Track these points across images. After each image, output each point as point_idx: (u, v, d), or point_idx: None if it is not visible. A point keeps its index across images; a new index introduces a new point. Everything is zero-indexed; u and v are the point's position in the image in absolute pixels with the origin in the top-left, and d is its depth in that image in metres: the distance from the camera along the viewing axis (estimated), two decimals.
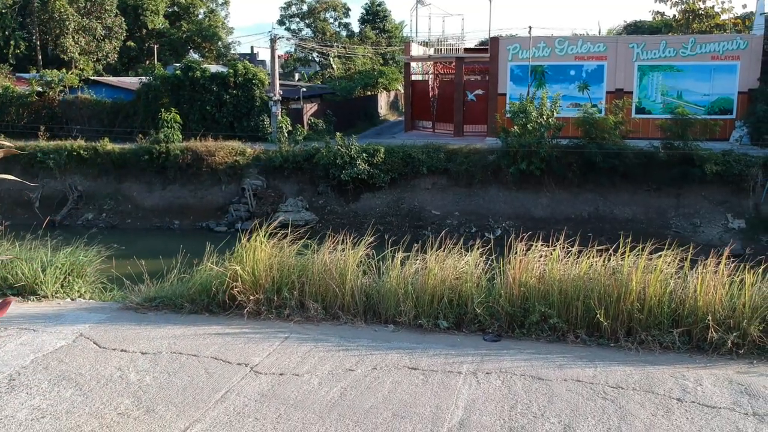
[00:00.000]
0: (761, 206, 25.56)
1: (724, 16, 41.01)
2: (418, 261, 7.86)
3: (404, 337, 7.12)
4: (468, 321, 7.31)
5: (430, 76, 41.08)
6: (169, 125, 32.01)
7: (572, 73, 32.60)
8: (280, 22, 70.23)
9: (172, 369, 6.23)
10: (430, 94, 39.37)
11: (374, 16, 69.85)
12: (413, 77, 40.37)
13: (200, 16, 69.15)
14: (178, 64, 42.01)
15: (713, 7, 40.70)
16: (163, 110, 33.08)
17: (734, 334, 6.56)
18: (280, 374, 6.12)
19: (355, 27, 72.19)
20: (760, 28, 30.89)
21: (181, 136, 32.30)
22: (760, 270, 7.11)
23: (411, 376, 6.08)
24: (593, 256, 7.47)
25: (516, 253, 7.48)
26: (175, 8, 67.02)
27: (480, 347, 6.78)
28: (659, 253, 7.28)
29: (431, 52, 41.06)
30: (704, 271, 7.02)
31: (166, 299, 8.12)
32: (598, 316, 6.87)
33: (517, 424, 5.23)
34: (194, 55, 64.99)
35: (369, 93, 49.78)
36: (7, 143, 4.81)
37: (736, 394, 5.72)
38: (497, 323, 7.21)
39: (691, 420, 5.30)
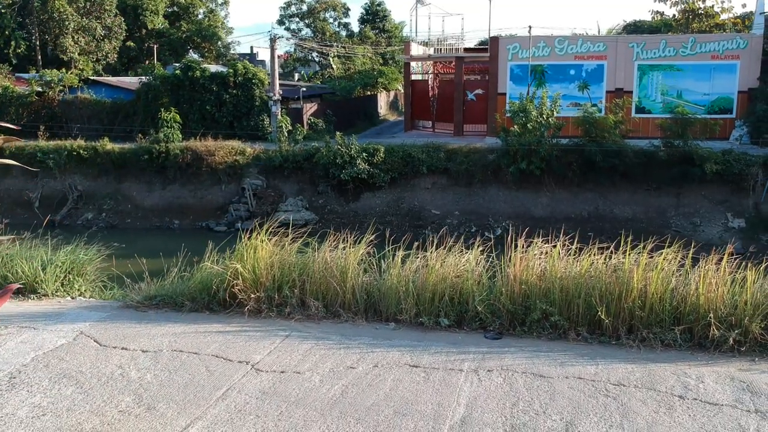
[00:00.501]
0: (761, 205, 25.56)
1: (724, 16, 41.04)
2: (418, 259, 7.86)
3: (405, 335, 7.11)
4: (469, 319, 7.30)
5: (430, 75, 41.08)
6: (169, 125, 32.01)
7: (572, 72, 32.58)
8: (280, 22, 70.26)
9: (173, 367, 6.22)
10: (430, 94, 39.36)
11: (374, 16, 69.86)
12: (413, 77, 40.37)
13: (200, 16, 69.18)
14: (177, 64, 42.03)
15: (713, 6, 40.72)
16: (162, 110, 33.09)
17: (736, 331, 6.55)
18: (282, 372, 6.11)
19: (355, 27, 72.25)
20: (759, 28, 30.90)
21: (180, 135, 32.31)
22: (762, 268, 7.10)
23: (412, 374, 6.07)
24: (594, 255, 7.47)
25: (517, 250, 7.48)
26: (175, 8, 67.04)
27: (481, 345, 6.78)
28: (660, 251, 7.27)
29: (431, 51, 41.05)
30: (706, 268, 7.02)
31: (167, 297, 8.11)
32: (599, 313, 6.86)
33: (519, 421, 5.22)
34: (194, 55, 64.99)
35: (369, 93, 49.78)
36: (12, 126, 4.83)
37: (738, 392, 5.71)
38: (498, 321, 7.21)
39: (693, 417, 5.29)
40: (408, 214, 28.46)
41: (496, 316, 7.25)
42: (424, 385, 5.84)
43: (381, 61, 61.74)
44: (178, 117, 32.73)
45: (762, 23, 30.89)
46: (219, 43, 69.41)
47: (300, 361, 6.35)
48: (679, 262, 7.30)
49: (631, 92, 31.77)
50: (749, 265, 7.09)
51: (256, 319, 7.52)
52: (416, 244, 8.27)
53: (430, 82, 40.29)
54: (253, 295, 7.70)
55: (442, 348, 6.67)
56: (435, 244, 7.90)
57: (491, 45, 34.01)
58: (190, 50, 67.36)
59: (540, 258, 7.54)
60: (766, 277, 7.05)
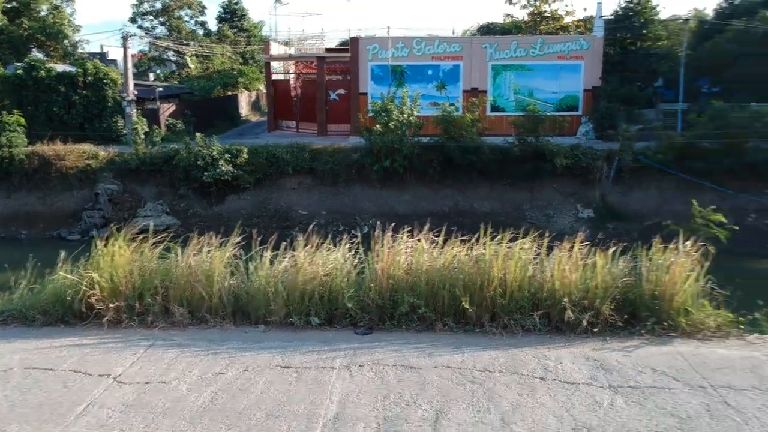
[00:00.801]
0: (607, 196, 27.39)
1: (568, 19, 43.73)
2: (286, 259, 7.78)
3: (276, 336, 7.03)
4: (340, 316, 7.34)
5: (292, 75, 40.81)
6: (12, 129, 29.81)
7: (430, 72, 33.45)
8: (132, 20, 67.21)
9: (25, 385, 5.79)
10: (293, 94, 39.09)
11: (232, 15, 68.44)
12: (275, 77, 39.92)
13: (43, 13, 64.82)
14: (19, 64, 39.19)
15: (557, 10, 43.25)
16: (4, 113, 30.77)
17: (589, 313, 7.00)
18: (146, 383, 5.86)
19: (213, 26, 70.39)
20: (600, 30, 33.10)
21: (25, 139, 30.18)
22: (609, 253, 7.62)
23: (284, 375, 6.01)
24: (456, 248, 7.71)
25: (383, 246, 7.58)
26: (15, 3, 62.46)
27: (352, 341, 6.82)
28: (517, 242, 7.63)
29: (292, 51, 40.78)
30: (560, 256, 7.44)
31: (16, 312, 7.55)
32: (463, 303, 7.10)
33: (391, 413, 5.30)
34: (38, 54, 60.76)
35: (229, 93, 48.73)
36: None
37: (592, 370, 6.10)
38: (368, 316, 7.28)
39: (554, 397, 5.59)
40: (275, 215, 28.13)
41: (365, 312, 7.32)
42: (296, 386, 5.79)
43: (241, 60, 60.60)
44: (22, 120, 30.56)
45: (602, 26, 33.10)
46: (66, 41, 65.34)
47: (165, 370, 6.12)
48: (535, 251, 7.69)
49: (486, 91, 33.08)
50: (598, 251, 7.60)
51: (116, 330, 7.16)
52: (284, 244, 8.18)
53: (292, 82, 40.01)
54: (111, 305, 7.32)
55: (313, 347, 6.65)
56: (303, 243, 7.85)
57: (351, 45, 34.27)
58: (33, 49, 62.94)
59: (406, 253, 7.69)
60: (614, 261, 7.58)
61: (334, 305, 7.41)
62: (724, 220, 9.15)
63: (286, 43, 43.34)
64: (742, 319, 7.30)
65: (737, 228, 9.76)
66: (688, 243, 7.58)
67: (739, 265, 16.00)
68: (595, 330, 6.95)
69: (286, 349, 6.60)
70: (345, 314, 7.32)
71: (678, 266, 7.27)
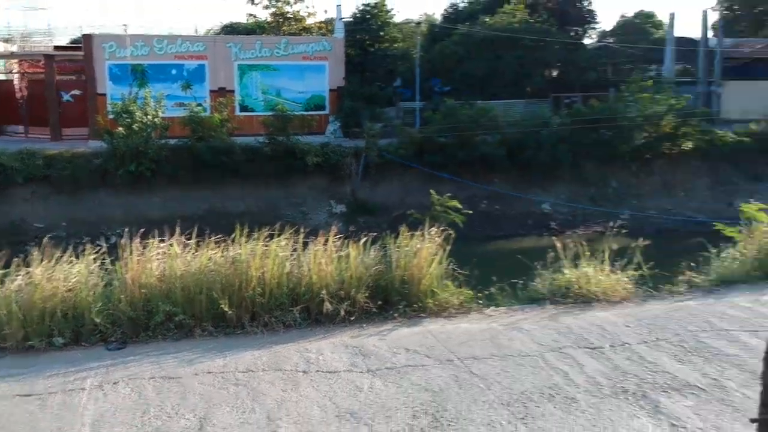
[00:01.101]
0: (357, 191, 28.55)
1: (310, 20, 44.67)
2: (20, 276, 7.03)
3: (12, 363, 6.34)
4: (88, 333, 6.82)
5: (16, 75, 36.98)
6: None
7: (174, 72, 32.27)
8: None
9: None
10: (18, 96, 35.44)
11: None
12: None
13: None
14: None
15: (300, 11, 44.05)
16: None
17: (346, 303, 7.26)
18: None
19: None
20: (340, 32, 34.34)
21: None
22: (362, 244, 7.96)
23: (25, 404, 5.45)
24: (212, 249, 7.55)
25: (133, 254, 7.19)
26: None
27: (104, 358, 6.38)
28: (274, 239, 7.67)
29: (14, 48, 36.96)
30: (315, 250, 7.62)
31: None
32: (222, 306, 6.98)
33: (152, 427, 5.05)
34: None
35: None
36: None
37: (352, 356, 6.33)
38: (120, 330, 6.86)
39: (317, 388, 5.71)
40: (5, 230, 25.30)
41: (117, 326, 6.89)
42: (40, 414, 5.28)
43: None
44: None
45: (342, 28, 34.36)
46: None
47: None
48: (292, 247, 7.79)
49: (234, 91, 32.71)
50: (351, 243, 7.90)
51: None
52: (16, 260, 7.38)
53: (16, 83, 36.25)
54: None
55: (59, 369, 6.11)
56: (40, 258, 7.16)
57: (85, 43, 31.90)
58: None
59: (158, 259, 7.36)
60: (366, 252, 7.93)
61: (80, 322, 6.85)
62: (459, 206, 10.00)
63: (7, 40, 39.17)
64: (480, 295, 8.06)
65: (471, 212, 10.73)
66: (432, 230, 8.17)
67: (475, 248, 17.65)
68: (352, 318, 7.23)
69: (26, 375, 5.98)
70: (94, 330, 6.82)
71: (423, 252, 7.81)
